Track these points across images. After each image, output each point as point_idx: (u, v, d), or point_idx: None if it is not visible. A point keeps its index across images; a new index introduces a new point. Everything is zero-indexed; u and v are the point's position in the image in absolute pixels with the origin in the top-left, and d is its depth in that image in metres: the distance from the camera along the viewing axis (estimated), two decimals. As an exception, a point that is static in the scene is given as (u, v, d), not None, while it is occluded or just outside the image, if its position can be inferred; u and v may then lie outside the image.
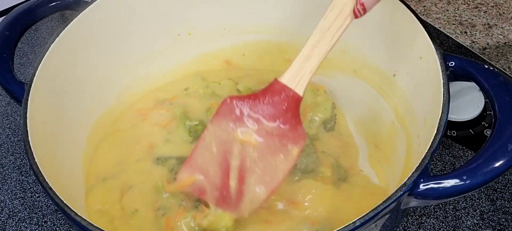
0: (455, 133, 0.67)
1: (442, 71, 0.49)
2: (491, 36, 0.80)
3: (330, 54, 0.68)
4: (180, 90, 0.70)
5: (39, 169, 0.45)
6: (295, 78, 0.50)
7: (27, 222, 0.62)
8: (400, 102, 0.60)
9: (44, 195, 0.65)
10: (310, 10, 0.67)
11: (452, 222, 0.59)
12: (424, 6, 0.87)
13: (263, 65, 0.72)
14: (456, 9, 0.86)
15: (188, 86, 0.70)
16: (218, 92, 0.68)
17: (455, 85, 0.66)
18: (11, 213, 0.63)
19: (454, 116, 0.67)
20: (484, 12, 0.84)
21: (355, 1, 0.47)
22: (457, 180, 0.42)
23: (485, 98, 0.67)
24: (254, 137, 0.50)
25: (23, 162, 0.69)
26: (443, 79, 0.48)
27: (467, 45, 0.79)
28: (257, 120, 0.50)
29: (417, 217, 0.59)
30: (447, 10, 0.85)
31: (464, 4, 0.86)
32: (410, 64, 0.57)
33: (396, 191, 0.41)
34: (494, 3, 0.86)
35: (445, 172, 0.63)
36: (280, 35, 0.71)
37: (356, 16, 0.48)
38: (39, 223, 0.62)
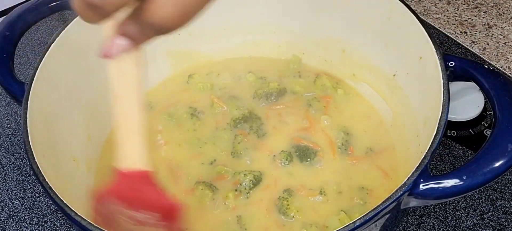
0: (455, 133, 0.67)
1: (442, 71, 0.49)
2: (491, 36, 0.80)
3: (330, 55, 0.69)
4: (180, 89, 0.70)
5: (39, 169, 0.45)
6: (133, 157, 0.42)
7: (27, 222, 0.62)
8: (400, 102, 0.60)
9: (44, 195, 0.65)
10: (310, 10, 0.67)
11: (452, 222, 0.59)
12: (424, 6, 0.87)
13: (262, 65, 0.72)
14: (456, 9, 0.85)
15: (189, 84, 0.70)
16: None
17: (455, 85, 0.66)
18: (11, 213, 0.63)
19: (454, 116, 0.67)
20: (484, 12, 0.84)
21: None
22: (457, 180, 0.42)
23: (485, 98, 0.67)
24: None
25: (23, 162, 0.69)
26: (443, 79, 0.48)
27: (467, 45, 0.79)
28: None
29: (417, 217, 0.59)
30: (447, 10, 0.85)
31: (464, 4, 0.86)
32: (410, 64, 0.57)
33: (396, 191, 0.41)
34: (494, 3, 0.86)
35: (445, 172, 0.63)
36: (280, 35, 0.71)
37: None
38: (39, 223, 0.62)
